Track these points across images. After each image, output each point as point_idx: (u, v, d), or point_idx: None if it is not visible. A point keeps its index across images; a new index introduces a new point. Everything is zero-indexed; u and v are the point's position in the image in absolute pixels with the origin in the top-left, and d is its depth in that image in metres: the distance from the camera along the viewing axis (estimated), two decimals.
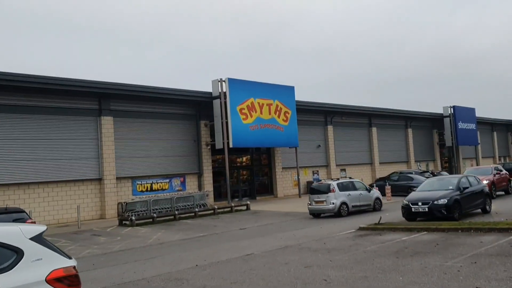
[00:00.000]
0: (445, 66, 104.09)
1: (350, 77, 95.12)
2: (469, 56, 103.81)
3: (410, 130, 46.97)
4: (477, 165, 55.81)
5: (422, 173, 33.80)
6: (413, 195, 16.32)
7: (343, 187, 20.77)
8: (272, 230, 16.94)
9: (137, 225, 20.82)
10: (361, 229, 14.71)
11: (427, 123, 49.96)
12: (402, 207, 15.96)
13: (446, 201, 15.01)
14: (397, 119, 45.47)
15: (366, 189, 22.01)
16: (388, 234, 13.34)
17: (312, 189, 21.67)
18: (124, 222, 21.38)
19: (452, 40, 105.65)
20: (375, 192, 22.39)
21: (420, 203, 15.30)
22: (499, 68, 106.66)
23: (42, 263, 4.42)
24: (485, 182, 20.32)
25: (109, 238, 17.64)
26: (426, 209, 15.13)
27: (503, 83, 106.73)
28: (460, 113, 49.66)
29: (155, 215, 21.98)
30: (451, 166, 51.00)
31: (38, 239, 4.59)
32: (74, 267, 4.79)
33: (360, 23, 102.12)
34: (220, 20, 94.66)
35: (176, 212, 22.72)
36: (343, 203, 20.23)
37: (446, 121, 49.13)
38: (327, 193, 20.24)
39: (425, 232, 13.04)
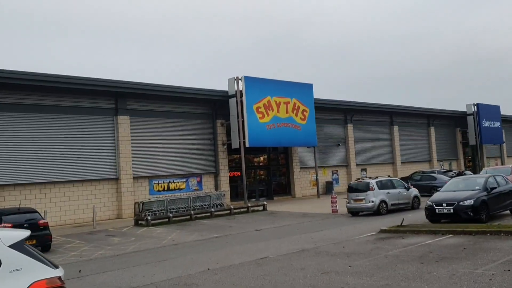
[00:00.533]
0: (466, 65, 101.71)
1: (369, 75, 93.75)
2: (489, 55, 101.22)
3: (432, 129, 45.76)
4: (502, 164, 54.22)
5: (445, 172, 32.79)
6: (437, 195, 15.56)
7: (382, 186, 20.64)
8: (289, 232, 16.40)
9: (153, 225, 20.52)
10: (382, 231, 14.05)
11: (450, 122, 48.63)
12: (426, 208, 15.23)
13: (473, 202, 14.23)
14: (419, 118, 44.33)
15: (405, 187, 21.83)
16: (411, 237, 12.65)
17: (350, 188, 21.41)
18: (139, 222, 21.11)
19: (471, 38, 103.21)
20: (413, 191, 22.18)
21: (444, 204, 14.56)
22: None
23: (22, 273, 3.95)
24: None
25: (123, 238, 17.36)
26: (451, 210, 14.37)
27: None
28: (484, 110, 48.18)
29: (171, 215, 21.65)
30: (474, 165, 49.52)
31: (18, 246, 4.11)
32: (60, 277, 4.30)
33: (378, 20, 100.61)
34: (235, 19, 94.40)
35: (192, 212, 22.36)
36: (382, 201, 20.16)
37: (470, 119, 47.70)
38: (366, 191, 20.12)
39: (450, 235, 12.32)
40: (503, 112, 51.23)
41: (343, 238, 13.56)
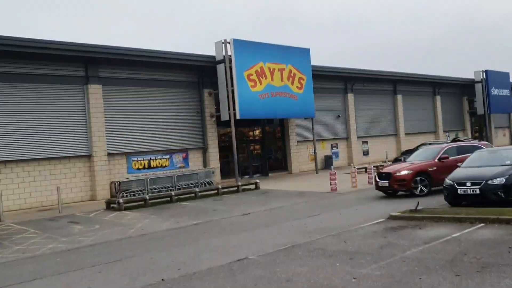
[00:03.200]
0: (469, 34, 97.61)
1: (371, 48, 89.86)
2: (491, 24, 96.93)
3: (438, 98, 42.87)
4: (511, 134, 51.58)
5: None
6: (458, 172, 12.84)
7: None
8: (280, 217, 13.81)
9: (126, 208, 17.94)
10: (392, 218, 11.40)
11: (457, 90, 45.70)
12: (445, 188, 12.56)
13: (504, 180, 11.52)
14: (424, 86, 41.37)
15: None
16: (431, 226, 10.02)
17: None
18: (112, 205, 18.52)
19: (472, 7, 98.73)
20: None
21: (468, 183, 11.87)
22: None
23: None
24: (404, 172, 15.66)
25: (86, 226, 14.79)
26: (477, 191, 11.70)
27: None
28: (493, 78, 45.21)
29: (147, 196, 19.03)
30: (481, 136, 46.82)
31: None
32: None
33: None
34: None
35: (173, 193, 19.74)
36: None
37: (478, 87, 44.77)
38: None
39: (481, 224, 9.69)
40: None
41: (344, 227, 10.94)
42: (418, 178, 15.68)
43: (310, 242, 9.49)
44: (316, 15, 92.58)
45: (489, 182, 11.65)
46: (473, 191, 11.75)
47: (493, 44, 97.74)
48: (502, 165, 12.22)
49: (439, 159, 16.26)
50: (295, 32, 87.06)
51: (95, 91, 22.12)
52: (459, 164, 14.05)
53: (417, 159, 17.11)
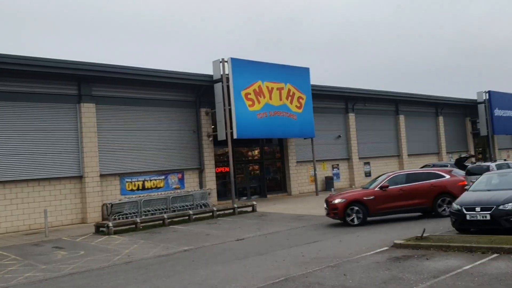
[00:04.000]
0: (468, 56, 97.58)
1: (370, 70, 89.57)
2: (491, 45, 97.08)
3: (441, 118, 42.18)
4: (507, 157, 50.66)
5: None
6: (467, 196, 11.99)
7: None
8: (276, 244, 12.93)
9: (116, 232, 17.05)
10: (396, 246, 10.52)
11: (459, 110, 45.04)
12: (452, 213, 11.70)
13: None
14: (426, 106, 40.74)
15: None
16: (439, 256, 9.14)
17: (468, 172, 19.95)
18: (101, 229, 17.63)
19: (471, 29, 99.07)
20: None
21: (478, 208, 11.02)
22: None
23: None
24: (337, 201, 15.28)
25: (70, 252, 13.91)
26: (487, 217, 10.84)
27: None
28: (496, 98, 44.56)
29: (138, 220, 18.15)
30: (485, 158, 45.94)
31: None
32: None
33: (373, 13, 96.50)
34: (229, 16, 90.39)
35: (166, 216, 18.85)
36: None
37: (481, 107, 44.08)
38: None
39: (495, 255, 8.82)
40: None
41: (344, 256, 10.06)
42: (352, 207, 15.14)
43: (306, 274, 8.61)
44: (316, 35, 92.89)
45: (501, 207, 10.80)
46: (483, 216, 10.89)
47: (496, 66, 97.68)
48: None
49: (380, 188, 15.45)
50: (294, 52, 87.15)
51: (88, 109, 21.46)
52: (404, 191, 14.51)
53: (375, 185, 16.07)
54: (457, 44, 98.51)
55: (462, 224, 11.37)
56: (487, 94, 44.13)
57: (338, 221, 15.76)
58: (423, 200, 15.20)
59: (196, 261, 11.24)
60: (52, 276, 10.87)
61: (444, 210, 15.14)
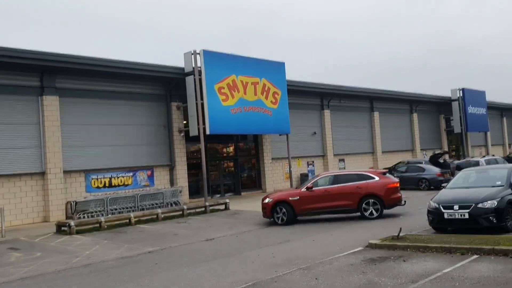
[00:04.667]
0: (442, 56, 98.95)
1: (345, 69, 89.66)
2: (463, 46, 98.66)
3: (415, 115, 42.26)
4: (487, 154, 51.39)
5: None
6: (444, 194, 11.54)
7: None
8: (247, 244, 12.26)
9: (78, 232, 16.07)
10: (371, 246, 9.97)
11: (434, 108, 45.26)
12: (430, 212, 11.23)
13: (496, 203, 10.27)
14: (401, 103, 40.70)
15: None
16: (416, 258, 8.61)
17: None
18: (63, 228, 16.61)
19: (443, 30, 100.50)
20: None
21: (456, 207, 10.57)
22: (499, 54, 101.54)
23: None
24: (266, 200, 15.78)
25: (26, 254, 12.92)
26: (466, 215, 10.40)
27: (507, 68, 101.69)
28: (470, 96, 44.97)
29: (102, 219, 17.20)
30: (459, 155, 46.36)
31: None
32: None
33: (354, 8, 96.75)
34: (204, 10, 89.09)
35: (132, 215, 17.93)
36: None
37: (455, 105, 44.40)
38: None
39: (475, 256, 8.34)
40: (487, 98, 48.17)
41: (316, 257, 9.44)
42: (280, 207, 15.42)
43: (275, 278, 7.95)
44: (290, 31, 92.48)
45: (480, 205, 10.38)
46: (461, 215, 10.46)
47: (469, 65, 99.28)
48: (493, 186, 10.99)
49: (306, 189, 15.63)
50: (270, 49, 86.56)
51: (51, 102, 20.31)
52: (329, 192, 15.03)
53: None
54: (431, 45, 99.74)
55: (439, 223, 10.91)
56: (461, 91, 44.48)
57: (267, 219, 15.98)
58: (348, 202, 15.12)
59: (160, 264, 10.46)
60: (1, 281, 9.93)
61: (371, 213, 14.98)
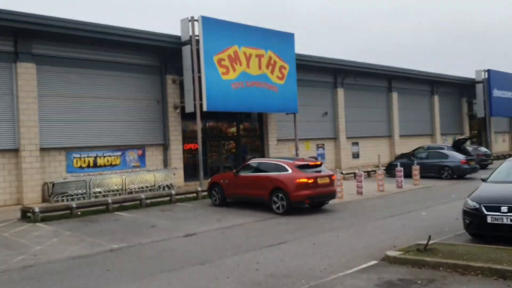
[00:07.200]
0: (462, 38, 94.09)
1: (362, 46, 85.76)
2: (490, 27, 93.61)
3: (436, 98, 39.18)
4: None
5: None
6: (486, 190, 8.89)
7: None
8: (231, 244, 9.84)
9: (44, 219, 13.85)
10: (389, 260, 7.43)
11: (456, 90, 42.08)
12: (466, 213, 8.63)
13: None
14: (421, 84, 37.62)
15: None
16: (455, 285, 6.07)
17: None
18: (28, 214, 14.40)
19: (463, 12, 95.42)
20: None
21: (504, 208, 7.97)
22: None
23: None
24: (209, 180, 16.71)
25: None
26: None
27: None
28: (496, 78, 41.61)
29: (74, 204, 14.93)
30: (481, 141, 43.26)
31: None
32: None
33: None
34: None
35: (109, 201, 15.63)
36: None
37: (479, 87, 41.12)
38: None
39: None
40: None
41: (313, 273, 6.98)
42: (214, 189, 15.82)
43: None
44: (305, 8, 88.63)
45: None
46: (511, 220, 7.85)
47: (494, 46, 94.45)
48: None
49: (235, 172, 15.44)
50: (280, 23, 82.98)
51: (27, 70, 17.92)
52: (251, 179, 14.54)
53: None
54: (456, 25, 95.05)
55: (480, 228, 8.33)
56: (486, 73, 41.16)
57: None
58: (261, 192, 14.12)
59: (112, 270, 8.11)
60: None
61: (278, 207, 13.55)
